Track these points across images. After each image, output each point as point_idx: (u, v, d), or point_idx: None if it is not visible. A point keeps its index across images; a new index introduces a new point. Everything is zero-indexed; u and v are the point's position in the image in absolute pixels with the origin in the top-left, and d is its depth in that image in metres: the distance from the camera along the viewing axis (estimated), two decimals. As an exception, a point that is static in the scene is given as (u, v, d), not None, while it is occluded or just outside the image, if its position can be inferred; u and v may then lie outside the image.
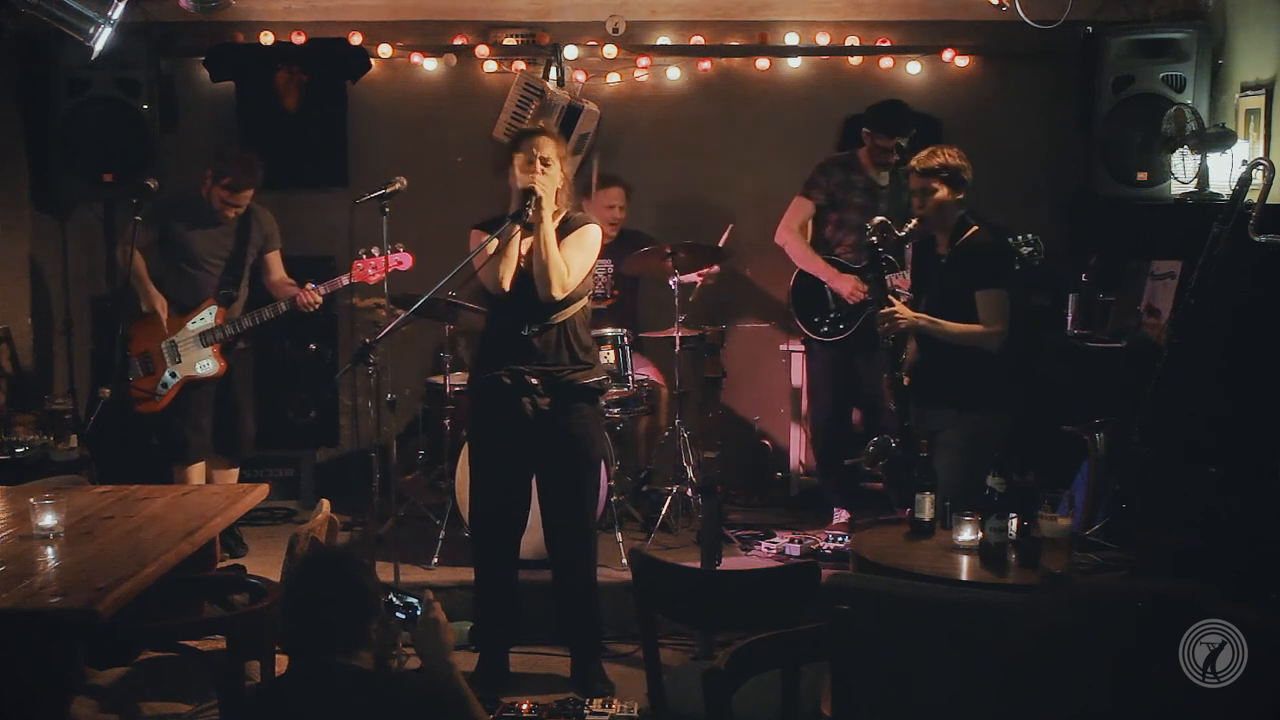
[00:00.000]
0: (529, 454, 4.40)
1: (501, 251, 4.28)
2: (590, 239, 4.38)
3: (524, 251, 4.30)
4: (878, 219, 4.66)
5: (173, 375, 5.44)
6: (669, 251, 5.73)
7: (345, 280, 5.38)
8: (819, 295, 5.65)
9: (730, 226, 5.94)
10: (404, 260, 5.19)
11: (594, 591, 4.55)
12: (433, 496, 5.79)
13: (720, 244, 5.92)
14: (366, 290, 5.58)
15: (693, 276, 5.98)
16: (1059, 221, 6.14)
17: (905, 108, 5.67)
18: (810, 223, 5.76)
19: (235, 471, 5.70)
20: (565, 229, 4.35)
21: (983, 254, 4.49)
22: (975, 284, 4.43)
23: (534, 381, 4.28)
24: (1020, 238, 4.62)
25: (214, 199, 5.44)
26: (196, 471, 5.54)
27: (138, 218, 5.32)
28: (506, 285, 4.29)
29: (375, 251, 5.18)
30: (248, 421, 5.71)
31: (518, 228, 4.26)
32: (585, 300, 4.45)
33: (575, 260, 4.31)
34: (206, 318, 5.46)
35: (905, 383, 4.59)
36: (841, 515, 5.78)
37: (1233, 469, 4.12)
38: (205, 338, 5.44)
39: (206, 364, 5.44)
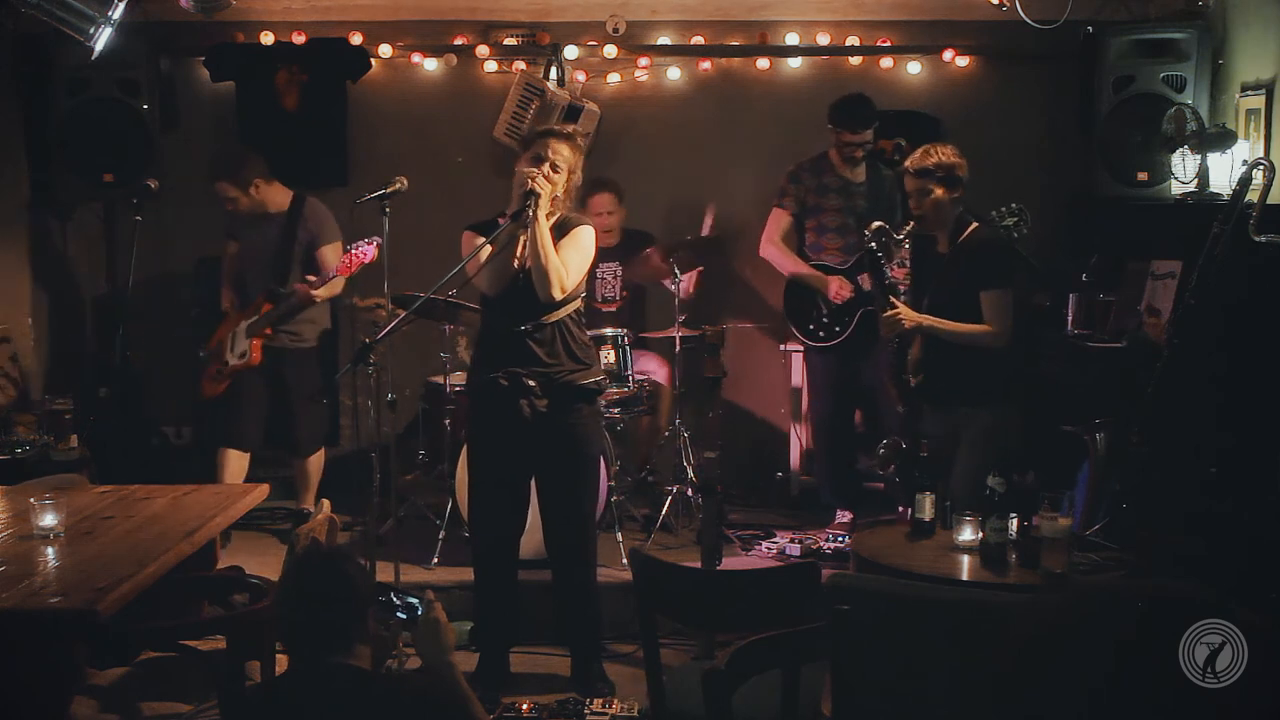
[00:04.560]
0: (528, 455, 4.40)
1: (498, 253, 4.27)
2: (585, 240, 4.36)
3: (519, 253, 4.29)
4: (875, 224, 4.64)
5: (225, 364, 5.62)
6: (669, 248, 5.75)
7: (331, 275, 5.43)
8: (810, 301, 5.65)
9: (710, 208, 5.88)
10: (367, 253, 5.20)
11: (594, 591, 4.54)
12: (433, 496, 5.79)
13: (705, 231, 5.88)
14: (367, 290, 5.58)
15: (685, 285, 5.98)
16: (1059, 221, 6.14)
17: (867, 101, 5.63)
18: (793, 231, 5.75)
19: (319, 457, 5.83)
20: (560, 230, 4.34)
21: (986, 253, 4.48)
22: (979, 284, 4.42)
23: (532, 384, 4.27)
24: (1005, 209, 4.61)
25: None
26: (234, 458, 5.64)
27: (138, 218, 5.35)
28: (502, 287, 4.29)
29: (353, 249, 5.20)
30: (301, 417, 5.71)
31: (515, 226, 4.24)
32: (577, 302, 4.43)
33: (573, 261, 4.29)
34: (255, 311, 5.61)
35: (911, 384, 4.59)
36: (842, 515, 5.77)
37: (1233, 469, 4.12)
38: (250, 330, 5.58)
39: (245, 354, 5.59)
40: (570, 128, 4.58)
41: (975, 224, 4.53)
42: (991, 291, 4.41)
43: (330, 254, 5.66)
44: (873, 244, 4.61)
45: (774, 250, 5.73)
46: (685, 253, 5.86)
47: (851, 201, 5.61)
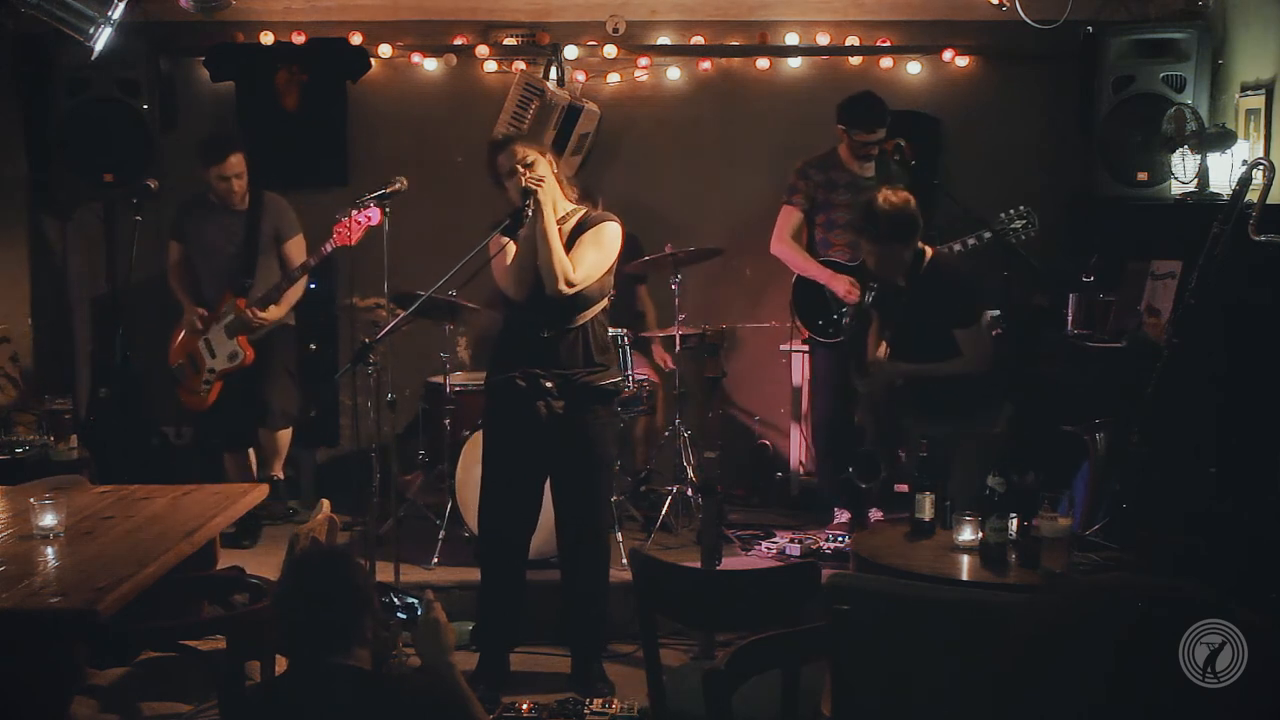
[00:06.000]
0: (543, 456, 4.39)
1: (519, 255, 4.27)
2: (608, 236, 4.35)
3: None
4: (871, 293, 4.90)
5: (211, 371, 5.58)
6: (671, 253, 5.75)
7: (329, 247, 5.41)
8: (820, 297, 5.65)
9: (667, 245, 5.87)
10: (373, 215, 5.20)
11: (604, 594, 4.54)
12: (433, 496, 5.79)
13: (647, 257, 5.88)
14: (366, 290, 5.58)
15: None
16: (1059, 221, 6.14)
17: (878, 100, 5.61)
18: (803, 228, 5.76)
19: (287, 432, 5.81)
20: (583, 227, 4.34)
21: (953, 289, 4.66)
22: (951, 323, 4.63)
23: (549, 385, 4.27)
24: (1013, 210, 4.66)
25: (214, 184, 5.55)
26: (244, 458, 5.72)
27: (138, 218, 5.35)
28: (526, 291, 4.29)
29: (353, 213, 5.20)
30: (275, 386, 5.70)
31: (530, 225, 4.24)
32: (605, 302, 4.44)
33: (587, 256, 4.28)
34: (229, 310, 5.56)
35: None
36: (842, 515, 5.77)
37: (1233, 469, 4.12)
38: (230, 329, 5.54)
39: (236, 355, 5.57)
40: (501, 132, 4.59)
41: (929, 249, 4.71)
42: (965, 330, 4.64)
43: (294, 249, 5.68)
44: (846, 320, 4.84)
45: (784, 248, 5.73)
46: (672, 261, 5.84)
47: (860, 197, 5.60)
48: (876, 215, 4.67)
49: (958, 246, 5.29)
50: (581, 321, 4.33)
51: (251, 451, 5.79)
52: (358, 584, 2.71)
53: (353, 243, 5.26)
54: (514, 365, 4.32)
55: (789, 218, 5.72)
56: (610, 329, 5.58)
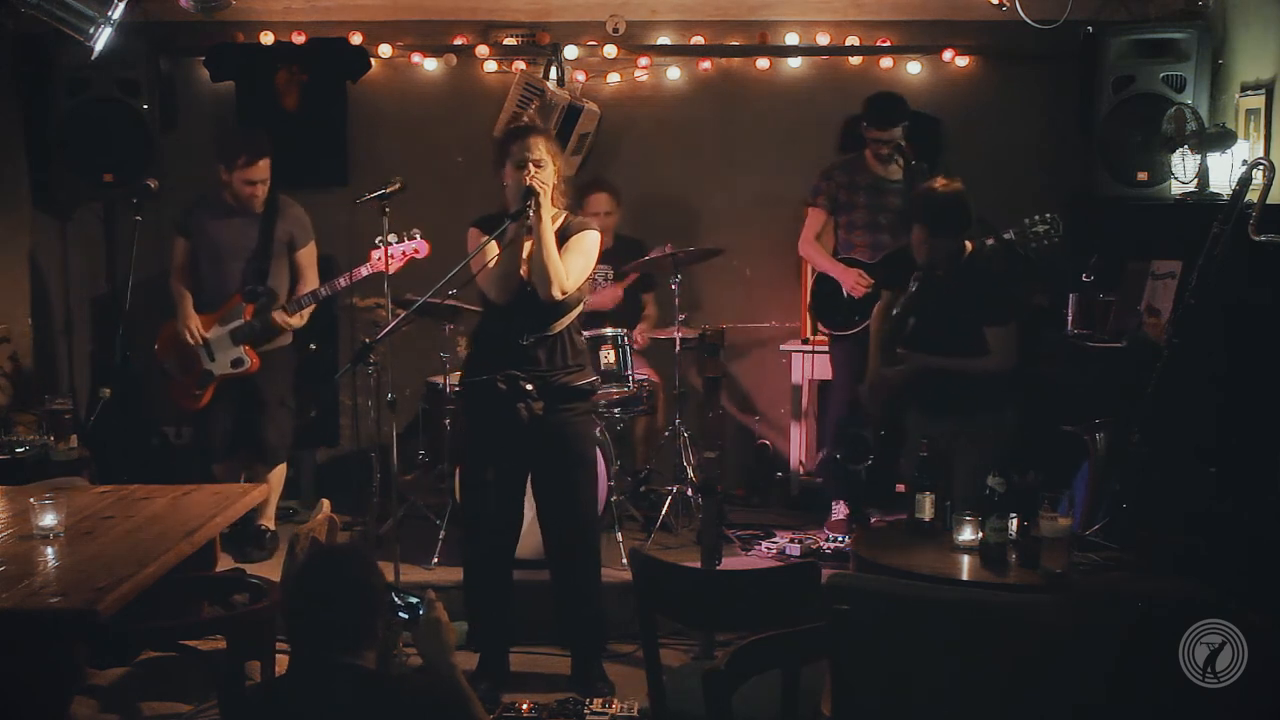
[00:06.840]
0: (524, 457, 4.40)
1: (503, 259, 4.27)
2: (589, 244, 4.37)
3: (525, 258, 4.28)
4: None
5: (208, 374, 5.42)
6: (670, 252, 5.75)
7: (366, 270, 5.28)
8: (836, 293, 5.68)
9: (667, 244, 5.86)
10: (420, 248, 5.13)
11: (597, 591, 4.54)
12: (433, 496, 5.79)
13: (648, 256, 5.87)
14: (366, 290, 5.58)
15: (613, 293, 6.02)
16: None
17: (895, 99, 5.64)
18: (827, 229, 5.79)
19: (281, 469, 5.61)
20: (564, 234, 4.34)
21: (994, 286, 4.57)
22: (984, 320, 4.53)
23: (529, 387, 4.27)
24: (1037, 216, 4.66)
25: (237, 188, 5.36)
26: (231, 470, 5.55)
27: (138, 218, 5.33)
28: (508, 295, 4.29)
29: (392, 239, 5.07)
30: (272, 421, 5.52)
31: (518, 227, 4.24)
32: (580, 308, 4.45)
33: (575, 264, 4.30)
34: (236, 315, 5.40)
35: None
36: (838, 510, 5.77)
37: (1232, 469, 4.12)
38: (236, 335, 5.39)
39: (241, 362, 5.40)
40: (528, 118, 4.58)
41: (970, 243, 4.62)
42: (997, 328, 4.53)
43: (305, 258, 5.52)
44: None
45: (808, 249, 5.80)
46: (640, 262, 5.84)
47: (883, 199, 5.60)
48: (930, 203, 4.58)
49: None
50: (560, 328, 4.34)
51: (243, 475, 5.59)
52: (368, 584, 2.69)
53: (391, 272, 5.00)
54: (492, 367, 4.32)
55: (814, 219, 5.77)
56: (611, 329, 5.62)
